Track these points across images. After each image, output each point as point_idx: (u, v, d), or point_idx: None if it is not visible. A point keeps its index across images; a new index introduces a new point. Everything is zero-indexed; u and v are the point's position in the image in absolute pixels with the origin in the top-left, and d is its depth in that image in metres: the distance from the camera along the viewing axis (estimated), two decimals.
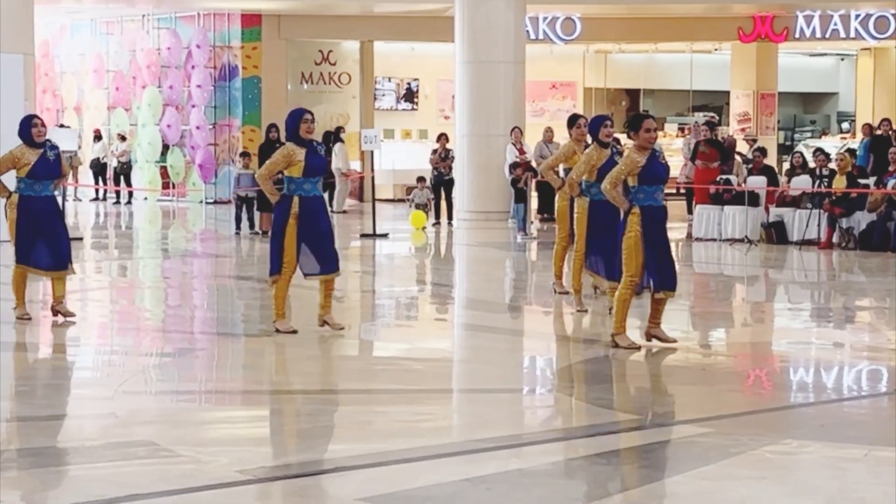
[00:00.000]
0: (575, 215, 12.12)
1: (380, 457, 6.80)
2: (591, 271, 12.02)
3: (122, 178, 29.48)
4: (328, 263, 10.70)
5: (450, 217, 23.28)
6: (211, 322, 12.55)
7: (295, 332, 10.68)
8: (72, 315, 11.53)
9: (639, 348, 9.97)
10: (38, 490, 6.17)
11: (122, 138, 29.51)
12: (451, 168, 23.50)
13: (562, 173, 12.94)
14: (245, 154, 22.41)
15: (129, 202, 29.37)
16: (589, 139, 12.31)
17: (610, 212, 11.54)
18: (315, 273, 10.73)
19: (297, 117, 10.56)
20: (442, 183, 23.49)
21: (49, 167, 11.35)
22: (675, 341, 10.14)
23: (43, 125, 11.44)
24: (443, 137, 23.97)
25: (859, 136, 25.78)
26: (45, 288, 14.15)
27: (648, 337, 10.16)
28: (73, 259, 11.64)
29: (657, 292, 9.98)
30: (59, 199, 12.54)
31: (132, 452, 6.86)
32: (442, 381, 9.42)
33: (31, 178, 11.25)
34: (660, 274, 9.92)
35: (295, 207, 10.51)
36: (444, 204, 23.37)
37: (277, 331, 10.74)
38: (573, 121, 13.02)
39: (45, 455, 6.92)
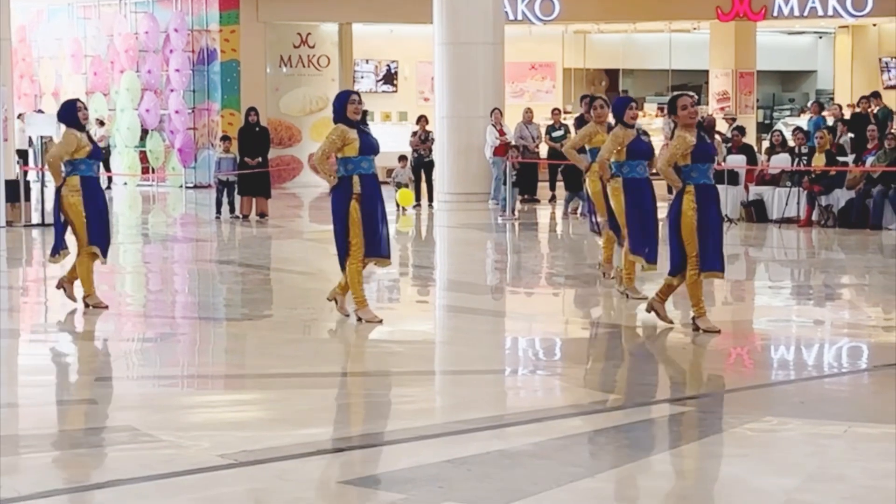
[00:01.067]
0: (610, 198, 11.71)
1: (361, 439, 6.80)
2: (636, 254, 11.29)
3: (101, 163, 29.38)
4: (384, 245, 10.40)
5: (430, 199, 23.28)
6: (192, 306, 12.54)
7: (380, 321, 10.37)
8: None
9: (719, 331, 9.83)
10: (20, 475, 6.15)
11: (101, 123, 29.39)
12: (431, 150, 23.48)
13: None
14: (225, 138, 22.35)
15: (108, 187, 29.24)
16: (612, 120, 12.06)
17: (644, 189, 11.47)
18: (373, 255, 10.35)
19: (344, 99, 10.33)
20: (422, 165, 23.47)
21: (97, 148, 11.49)
22: (671, 323, 10.16)
23: (86, 108, 11.53)
24: (422, 119, 23.94)
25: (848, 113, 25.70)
26: (33, 272, 14.12)
27: (650, 307, 10.16)
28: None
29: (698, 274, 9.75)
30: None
31: (113, 438, 6.85)
32: (424, 363, 9.42)
33: (92, 158, 11.30)
34: (703, 255, 9.70)
35: (356, 187, 10.18)
36: (424, 186, 23.37)
37: (360, 320, 10.33)
38: (590, 101, 12.96)
39: (26, 441, 6.90)
